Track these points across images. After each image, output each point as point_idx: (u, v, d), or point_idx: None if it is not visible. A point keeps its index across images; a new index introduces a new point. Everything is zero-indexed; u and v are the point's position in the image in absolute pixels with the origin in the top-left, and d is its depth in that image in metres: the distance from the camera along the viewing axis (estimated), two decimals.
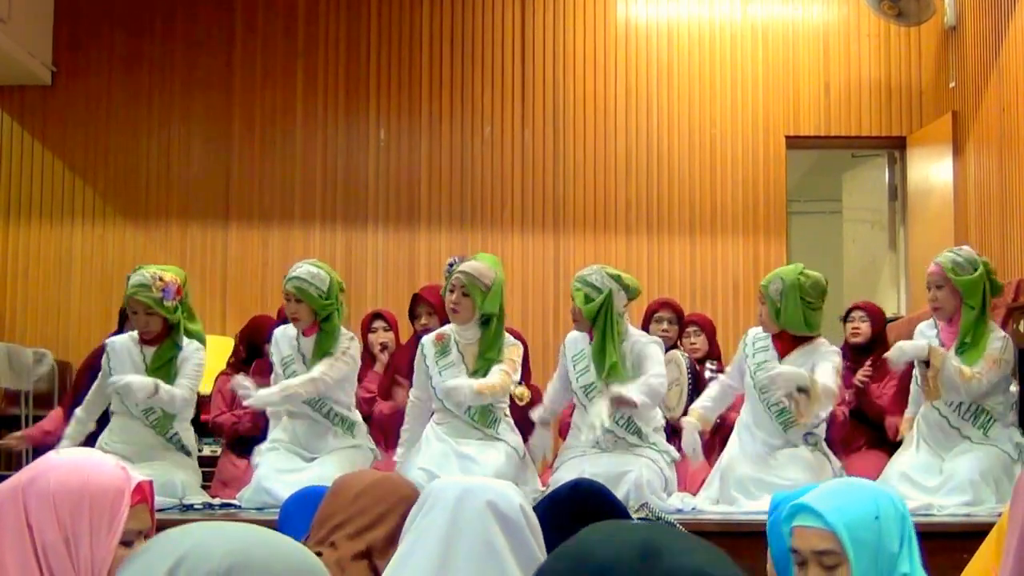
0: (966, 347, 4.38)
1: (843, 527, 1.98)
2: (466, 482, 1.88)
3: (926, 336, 4.55)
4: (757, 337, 4.59)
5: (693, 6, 7.60)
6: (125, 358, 4.53)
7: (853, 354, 5.33)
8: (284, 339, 4.70)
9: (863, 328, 5.36)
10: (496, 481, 1.91)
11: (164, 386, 4.40)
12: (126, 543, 1.71)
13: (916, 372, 4.60)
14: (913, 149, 7.51)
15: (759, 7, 7.59)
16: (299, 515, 2.42)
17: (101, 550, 1.65)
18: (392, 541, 2.12)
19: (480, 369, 4.44)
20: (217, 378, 5.44)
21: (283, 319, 5.17)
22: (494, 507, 1.78)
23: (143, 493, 1.76)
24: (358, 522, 2.14)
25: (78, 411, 4.60)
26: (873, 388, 5.14)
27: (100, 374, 4.62)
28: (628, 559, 0.99)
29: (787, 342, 4.48)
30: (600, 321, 4.40)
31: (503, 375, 4.38)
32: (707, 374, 5.19)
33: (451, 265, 4.51)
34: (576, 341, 4.57)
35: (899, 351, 4.37)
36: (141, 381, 4.37)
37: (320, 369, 4.48)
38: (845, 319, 5.50)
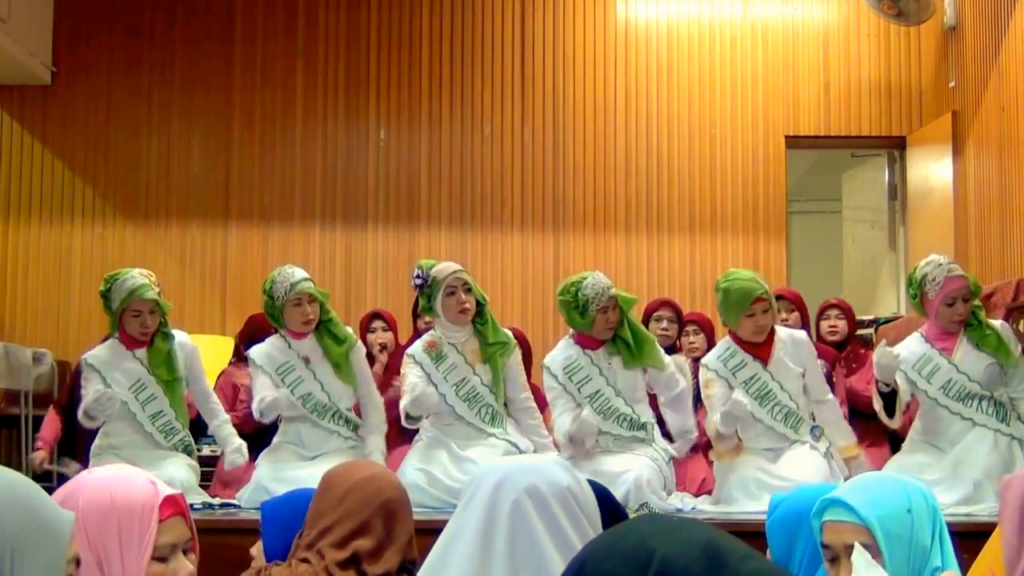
0: (988, 339, 4.32)
1: (876, 520, 1.93)
2: (508, 466, 1.81)
3: (916, 354, 4.38)
4: (724, 360, 4.43)
5: (693, 6, 7.60)
6: (118, 364, 4.48)
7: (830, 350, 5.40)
8: (273, 352, 4.56)
9: (840, 326, 5.47)
10: (544, 461, 1.83)
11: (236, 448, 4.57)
12: (160, 559, 1.70)
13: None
14: (913, 149, 7.51)
15: (759, 7, 7.59)
16: (279, 520, 2.40)
17: (132, 567, 1.64)
18: (380, 547, 2.10)
19: (491, 357, 4.46)
20: (218, 377, 5.44)
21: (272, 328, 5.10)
22: (534, 492, 1.73)
23: (177, 506, 1.74)
24: (343, 528, 2.12)
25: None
26: (856, 384, 5.17)
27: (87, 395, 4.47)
28: (692, 559, 0.97)
29: (761, 345, 4.46)
30: (625, 321, 4.45)
31: (544, 431, 4.55)
32: None
33: (424, 279, 4.45)
34: (561, 357, 4.48)
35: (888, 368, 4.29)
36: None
37: (378, 419, 4.58)
38: (819, 317, 5.55)
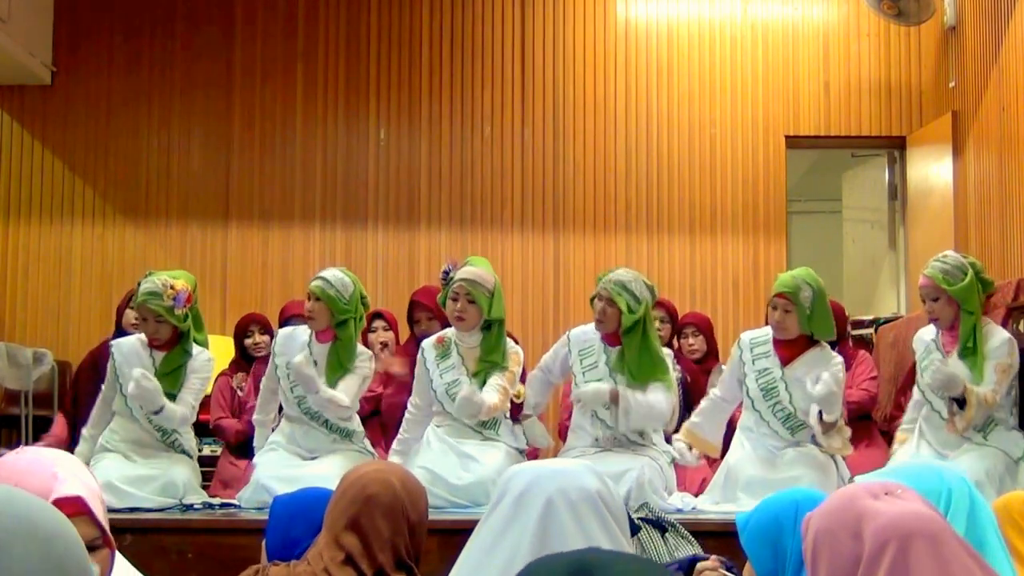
0: (968, 351, 4.34)
1: None
2: (537, 469, 1.82)
3: (924, 342, 4.49)
4: (754, 343, 4.52)
5: (693, 6, 7.60)
6: (134, 361, 4.49)
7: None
8: (292, 341, 4.60)
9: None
10: (574, 466, 1.84)
11: (169, 406, 4.38)
12: None
13: (919, 385, 4.53)
14: (913, 149, 7.51)
15: (759, 7, 7.59)
16: (279, 519, 2.40)
17: None
18: (368, 545, 2.10)
19: (480, 372, 4.45)
20: (217, 379, 5.44)
21: (288, 319, 5.16)
22: (563, 495, 1.74)
23: (75, 506, 1.67)
24: (336, 527, 2.13)
25: (85, 430, 4.54)
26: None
27: (105, 384, 4.57)
28: (557, 571, 1.03)
29: (790, 348, 4.46)
30: (636, 333, 4.40)
31: (502, 393, 4.39)
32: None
33: (447, 273, 4.50)
34: (586, 336, 4.55)
35: (948, 383, 4.23)
36: (152, 398, 4.33)
37: (345, 397, 4.43)
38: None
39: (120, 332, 5.28)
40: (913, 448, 4.45)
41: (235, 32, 7.52)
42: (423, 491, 2.25)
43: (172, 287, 4.41)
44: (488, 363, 4.46)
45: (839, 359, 4.52)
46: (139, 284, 4.49)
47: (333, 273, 4.54)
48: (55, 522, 1.14)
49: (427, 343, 4.60)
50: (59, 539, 1.13)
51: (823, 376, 4.30)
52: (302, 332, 4.63)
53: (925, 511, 1.58)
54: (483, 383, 4.44)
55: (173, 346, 4.51)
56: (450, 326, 4.61)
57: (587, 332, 4.57)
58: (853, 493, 1.64)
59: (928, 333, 4.53)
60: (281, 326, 5.11)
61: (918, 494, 1.65)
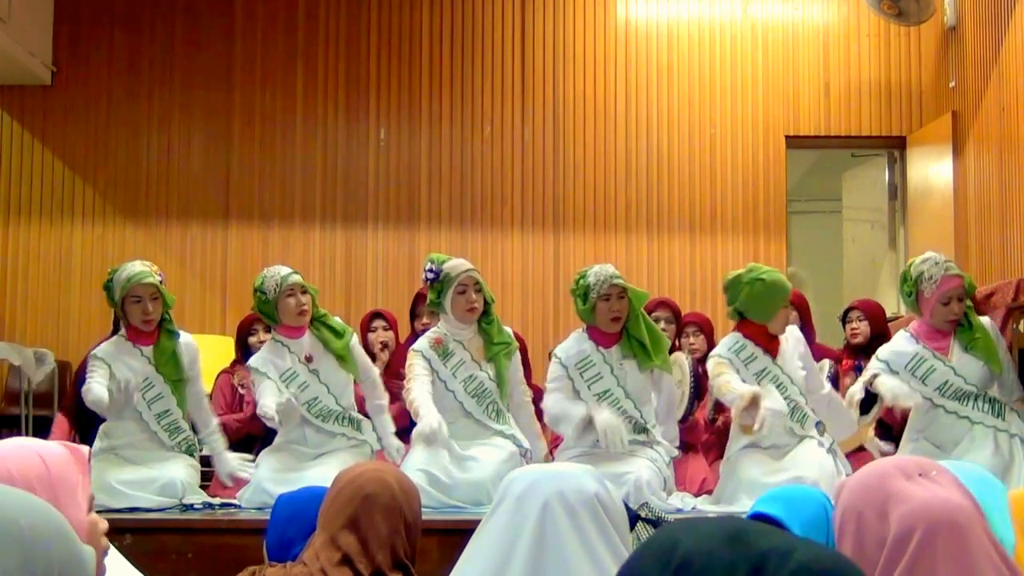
0: (977, 341, 4.31)
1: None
2: (537, 472, 1.83)
3: (909, 353, 4.34)
4: (736, 351, 4.40)
5: (693, 6, 7.60)
6: (128, 368, 4.45)
7: (854, 354, 5.33)
8: (274, 358, 4.53)
9: (861, 328, 5.38)
10: (573, 469, 1.85)
11: (216, 451, 4.58)
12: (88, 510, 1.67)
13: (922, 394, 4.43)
14: (913, 149, 7.51)
15: (759, 7, 7.59)
16: (280, 517, 2.40)
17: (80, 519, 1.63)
18: (365, 544, 2.10)
19: (497, 355, 4.48)
20: (218, 378, 5.44)
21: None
22: (561, 498, 1.75)
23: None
24: (331, 527, 2.13)
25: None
26: None
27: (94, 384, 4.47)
28: (715, 545, 1.01)
29: (771, 340, 4.45)
30: (637, 317, 4.42)
31: (537, 426, 4.64)
32: None
33: (436, 273, 4.44)
34: (572, 350, 4.45)
35: None
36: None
37: (379, 397, 4.64)
38: (844, 319, 5.49)
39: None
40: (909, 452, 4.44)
41: (235, 31, 7.52)
42: (417, 491, 2.26)
43: (150, 264, 4.47)
44: (500, 345, 4.50)
45: (796, 330, 4.57)
46: (112, 279, 4.43)
47: (288, 268, 4.62)
48: (35, 516, 1.13)
49: (424, 348, 4.48)
50: (71, 533, 1.13)
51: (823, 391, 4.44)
52: (272, 350, 4.55)
53: (956, 499, 1.53)
54: (499, 366, 4.48)
55: (158, 334, 4.49)
56: (440, 324, 4.59)
57: (572, 347, 4.48)
58: (884, 471, 1.58)
59: (909, 345, 4.38)
60: None
61: (954, 477, 1.59)
